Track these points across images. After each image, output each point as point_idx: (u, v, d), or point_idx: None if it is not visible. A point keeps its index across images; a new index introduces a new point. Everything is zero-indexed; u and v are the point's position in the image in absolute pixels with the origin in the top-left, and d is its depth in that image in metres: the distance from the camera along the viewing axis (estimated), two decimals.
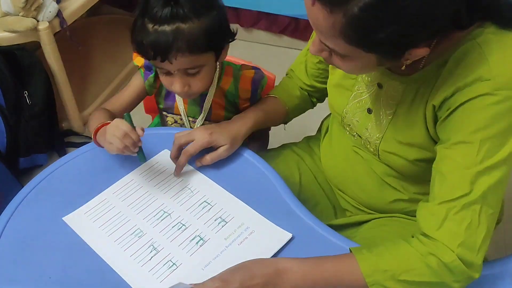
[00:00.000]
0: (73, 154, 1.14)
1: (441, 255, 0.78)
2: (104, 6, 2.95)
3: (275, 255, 0.93)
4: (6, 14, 1.80)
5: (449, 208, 0.79)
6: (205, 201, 1.04)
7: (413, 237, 0.83)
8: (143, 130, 0.96)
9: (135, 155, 1.01)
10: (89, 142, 1.14)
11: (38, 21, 1.83)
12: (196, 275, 0.89)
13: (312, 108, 1.29)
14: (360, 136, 1.05)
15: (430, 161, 0.87)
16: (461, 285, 0.80)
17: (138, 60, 1.21)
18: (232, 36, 1.11)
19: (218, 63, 1.16)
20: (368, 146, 1.03)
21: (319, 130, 1.32)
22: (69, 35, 1.93)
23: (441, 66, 0.83)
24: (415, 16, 0.69)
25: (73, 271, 0.91)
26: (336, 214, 1.21)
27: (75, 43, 2.00)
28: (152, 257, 0.94)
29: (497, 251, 1.78)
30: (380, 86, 0.96)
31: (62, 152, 2.14)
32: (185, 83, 1.07)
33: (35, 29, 1.82)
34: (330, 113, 1.19)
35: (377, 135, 0.99)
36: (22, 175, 2.01)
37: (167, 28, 0.99)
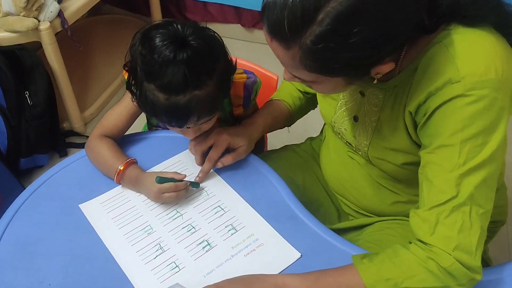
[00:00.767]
0: (73, 157, 1.13)
1: (440, 260, 0.77)
2: (105, 6, 2.95)
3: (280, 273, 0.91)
4: (7, 14, 1.79)
5: (439, 213, 0.79)
6: (219, 206, 1.03)
7: (410, 243, 0.83)
8: (179, 174, 1.01)
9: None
10: None
11: (39, 21, 1.83)
12: (196, 281, 0.89)
13: (314, 108, 1.29)
14: (350, 144, 1.06)
15: (418, 164, 0.86)
16: None
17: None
18: (234, 69, 1.02)
19: None
20: (360, 153, 1.04)
21: (322, 131, 1.32)
22: (70, 35, 1.93)
23: (413, 72, 0.84)
24: (367, 41, 0.70)
25: (73, 278, 0.90)
26: (339, 217, 1.20)
27: (76, 43, 2.00)
28: (157, 256, 0.94)
29: (501, 253, 1.77)
30: (362, 94, 0.97)
31: (63, 153, 2.14)
32: (197, 131, 1.04)
33: (36, 29, 1.82)
34: None
35: (365, 142, 1.00)
36: (23, 176, 2.01)
37: (182, 99, 0.89)
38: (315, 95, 1.21)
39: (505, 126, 0.78)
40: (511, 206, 1.16)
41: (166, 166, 1.11)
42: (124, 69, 0.96)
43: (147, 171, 1.08)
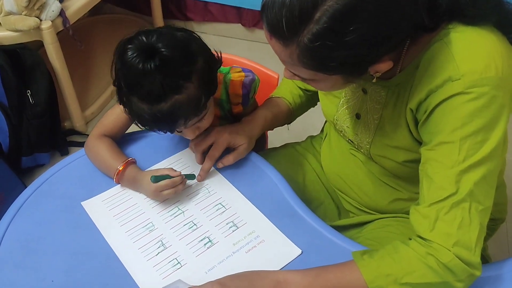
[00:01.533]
0: (75, 156, 1.14)
1: (439, 256, 0.78)
2: (106, 6, 2.96)
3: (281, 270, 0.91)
4: (9, 13, 1.80)
5: (438, 209, 0.79)
6: (220, 203, 1.04)
7: (410, 239, 0.83)
8: (175, 170, 1.02)
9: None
10: None
11: (41, 20, 1.83)
12: (198, 277, 0.89)
13: (314, 106, 1.29)
14: (352, 141, 1.06)
15: (419, 162, 0.87)
16: (465, 284, 0.79)
17: None
18: (220, 63, 1.02)
19: None
20: (362, 150, 1.04)
21: (323, 129, 1.32)
22: (72, 34, 1.93)
23: (415, 69, 0.84)
24: (363, 40, 0.71)
25: (75, 275, 0.91)
26: (340, 214, 1.21)
27: (78, 42, 2.01)
28: (159, 253, 0.94)
29: (500, 250, 1.78)
30: (364, 91, 0.97)
31: (64, 151, 2.15)
32: (195, 130, 1.04)
33: (38, 28, 1.82)
34: None
35: (367, 139, 1.00)
36: (24, 174, 2.02)
37: (164, 106, 0.89)
38: (315, 92, 1.22)
39: (505, 124, 0.78)
40: (511, 204, 1.17)
41: (166, 165, 1.11)
42: (114, 84, 0.97)
43: (146, 170, 1.08)
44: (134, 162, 1.07)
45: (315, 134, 1.35)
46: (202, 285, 0.83)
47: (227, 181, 1.08)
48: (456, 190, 0.78)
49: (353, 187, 1.13)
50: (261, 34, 2.78)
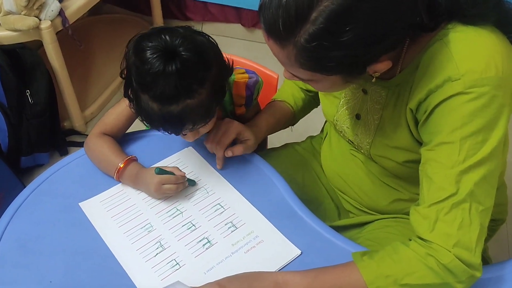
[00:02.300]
0: (74, 156, 1.13)
1: (439, 257, 0.78)
2: (106, 5, 2.96)
3: (280, 270, 0.91)
4: (9, 13, 1.80)
5: (438, 210, 0.79)
6: (219, 203, 1.04)
7: (410, 240, 0.83)
8: (179, 169, 1.02)
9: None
10: None
11: (40, 20, 1.83)
12: (197, 278, 0.89)
13: (317, 106, 1.29)
14: (352, 142, 1.06)
15: (419, 162, 0.87)
16: (465, 285, 0.79)
17: None
18: (231, 71, 1.03)
19: None
20: (362, 151, 1.04)
21: (323, 129, 1.32)
22: (71, 34, 1.93)
23: (415, 69, 0.84)
24: (359, 40, 0.71)
25: (74, 275, 0.90)
26: (339, 215, 1.20)
27: (77, 42, 2.00)
28: (157, 254, 0.94)
29: (501, 251, 1.77)
30: (365, 92, 0.97)
31: (63, 151, 2.14)
32: (195, 134, 1.03)
33: (37, 28, 1.82)
34: None
35: (367, 140, 1.00)
36: (23, 174, 2.01)
37: (175, 109, 0.89)
38: (317, 93, 1.21)
39: (505, 124, 0.78)
40: (511, 204, 1.17)
41: (166, 164, 1.11)
42: (121, 76, 0.97)
43: (151, 166, 1.08)
44: (135, 160, 1.07)
45: (315, 134, 1.35)
46: (201, 286, 0.83)
47: (226, 181, 1.08)
48: (456, 191, 0.78)
49: (353, 187, 1.13)
50: (260, 34, 2.75)
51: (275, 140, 1.45)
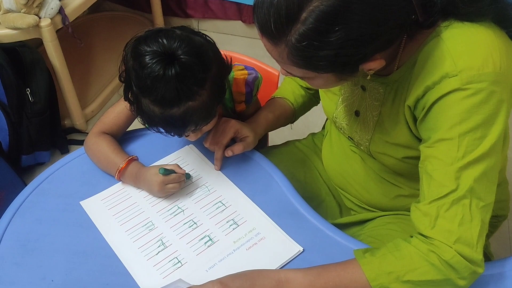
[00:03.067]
0: (75, 154, 1.13)
1: (441, 253, 0.77)
2: (105, 3, 2.96)
3: (282, 267, 0.91)
4: (8, 11, 1.79)
5: (439, 206, 0.79)
6: (220, 201, 1.04)
7: (412, 236, 0.83)
8: (180, 167, 1.02)
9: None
10: None
11: (40, 18, 1.83)
12: (199, 276, 0.89)
13: (317, 104, 1.29)
14: (352, 139, 1.06)
15: (419, 159, 0.86)
16: (467, 281, 0.79)
17: None
18: (230, 69, 1.03)
19: None
20: (362, 147, 1.04)
21: (324, 126, 1.32)
22: (71, 32, 1.93)
23: (412, 65, 0.84)
24: (349, 40, 0.71)
25: (75, 274, 0.90)
26: (341, 212, 1.20)
27: (77, 40, 2.00)
28: (159, 252, 0.94)
29: (502, 247, 1.77)
30: (363, 88, 0.97)
31: (64, 150, 2.15)
32: (197, 133, 1.03)
33: (37, 26, 1.82)
34: None
35: (366, 137, 1.00)
36: (24, 173, 2.01)
37: (177, 112, 0.90)
38: (317, 91, 1.21)
39: (504, 119, 0.78)
40: None
41: (166, 163, 1.11)
42: (120, 80, 0.96)
43: (152, 165, 1.08)
44: (136, 159, 1.07)
45: (316, 131, 1.34)
46: (203, 284, 0.83)
47: (227, 179, 1.08)
48: (456, 187, 0.78)
49: (354, 185, 1.12)
50: None
51: (276, 137, 1.45)
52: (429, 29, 0.81)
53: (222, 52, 1.00)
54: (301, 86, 1.24)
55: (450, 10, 0.79)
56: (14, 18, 1.78)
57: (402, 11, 0.74)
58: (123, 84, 0.96)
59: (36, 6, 1.79)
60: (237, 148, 1.07)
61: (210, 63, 0.93)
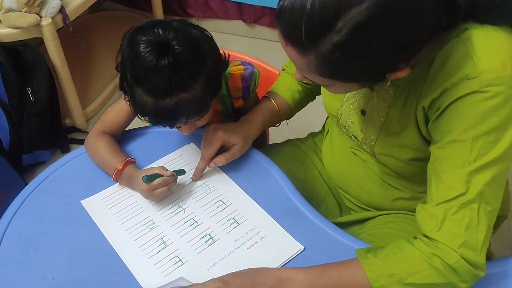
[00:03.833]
0: (75, 153, 1.13)
1: (445, 257, 0.77)
2: (106, 3, 2.96)
3: (283, 266, 0.91)
4: (9, 10, 1.79)
5: (447, 209, 0.79)
6: (221, 200, 1.03)
7: (416, 238, 0.83)
8: (166, 169, 1.00)
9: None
10: None
11: (41, 17, 1.83)
12: (200, 274, 0.89)
13: (313, 100, 1.28)
14: (356, 138, 1.05)
15: (425, 160, 0.86)
16: (468, 284, 0.79)
17: None
18: (227, 65, 1.03)
19: None
20: (365, 147, 1.03)
21: (324, 126, 1.31)
22: (72, 31, 1.93)
23: (428, 66, 0.82)
24: (384, 51, 0.69)
25: (77, 273, 0.90)
26: (341, 211, 1.20)
27: (78, 39, 2.00)
28: (160, 251, 0.94)
29: (503, 247, 1.77)
30: (371, 88, 0.96)
31: (65, 149, 2.15)
32: (191, 127, 1.04)
33: (38, 25, 1.82)
34: None
35: (372, 137, 0.99)
36: (25, 172, 2.01)
37: (169, 102, 0.89)
38: (315, 86, 1.20)
39: None
40: None
41: (166, 161, 1.11)
42: (117, 69, 0.97)
43: (145, 167, 1.08)
44: (133, 162, 1.07)
45: (316, 130, 1.34)
46: (204, 282, 0.83)
47: (228, 177, 1.08)
48: (466, 190, 0.77)
49: (354, 186, 1.12)
50: (261, 30, 2.77)
51: (276, 136, 1.45)
52: (448, 30, 0.80)
53: (221, 50, 0.99)
54: (298, 81, 1.22)
55: (472, 12, 0.78)
56: (15, 17, 1.78)
57: (433, 17, 0.71)
58: (119, 73, 0.97)
59: (37, 5, 1.79)
60: (219, 160, 1.06)
61: (205, 56, 0.92)
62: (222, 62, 1.00)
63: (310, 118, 1.44)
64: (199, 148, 1.14)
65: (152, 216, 1.00)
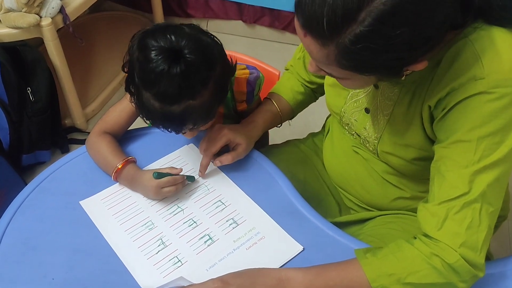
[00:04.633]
0: (75, 153, 1.13)
1: (445, 256, 0.77)
2: (106, 3, 2.96)
3: (282, 266, 0.91)
4: (9, 10, 1.79)
5: (449, 208, 0.79)
6: (220, 200, 1.04)
7: (415, 238, 0.83)
8: (175, 168, 1.02)
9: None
10: None
11: (41, 17, 1.83)
12: (199, 275, 0.89)
13: (315, 101, 1.29)
14: (359, 135, 1.05)
15: (428, 160, 0.86)
16: (467, 285, 0.79)
17: None
18: (234, 71, 1.02)
19: None
20: (367, 145, 1.03)
21: (324, 126, 1.32)
22: (72, 31, 1.93)
23: (435, 66, 0.82)
24: (407, 42, 0.68)
25: (76, 273, 0.91)
26: (340, 212, 1.20)
27: (78, 39, 2.00)
28: (159, 251, 0.94)
29: (502, 247, 1.77)
30: (376, 86, 0.96)
31: (65, 149, 2.15)
32: (194, 131, 1.03)
33: (38, 25, 1.82)
34: None
35: (375, 135, 0.99)
36: (25, 172, 2.01)
37: (177, 109, 0.89)
38: (319, 86, 1.20)
39: None
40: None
41: (166, 162, 1.11)
42: (123, 70, 0.96)
43: (145, 168, 1.08)
44: (134, 161, 1.07)
45: (316, 131, 1.34)
46: (203, 282, 0.83)
47: (227, 178, 1.08)
48: (469, 190, 0.77)
49: (355, 185, 1.12)
50: (261, 31, 2.77)
51: (276, 136, 1.45)
52: (457, 30, 0.80)
53: (227, 54, 1.00)
54: (301, 82, 1.22)
55: (483, 12, 0.78)
56: (15, 17, 1.78)
57: (452, 9, 0.71)
58: (126, 75, 0.96)
59: (37, 5, 1.79)
60: (226, 159, 1.06)
61: (215, 63, 0.92)
62: (230, 69, 1.00)
63: (310, 118, 1.45)
64: (199, 149, 1.14)
65: (151, 216, 1.00)
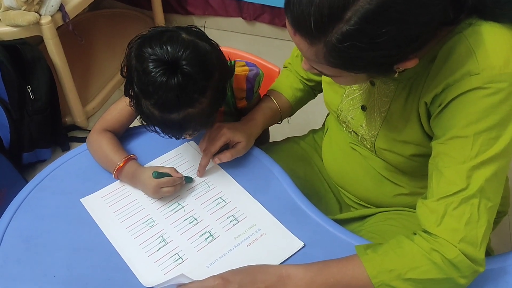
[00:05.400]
0: (76, 151, 1.13)
1: (444, 252, 0.78)
2: (106, 1, 2.96)
3: (283, 263, 0.92)
4: (9, 9, 1.79)
5: (447, 204, 0.79)
6: (220, 197, 1.04)
7: (415, 234, 0.83)
8: (176, 170, 1.02)
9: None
10: None
11: (40, 15, 1.83)
12: (200, 272, 0.89)
13: (314, 98, 1.28)
14: (356, 133, 1.05)
15: (426, 156, 0.86)
16: (468, 280, 0.79)
17: None
18: (232, 74, 1.03)
19: None
20: (365, 142, 1.03)
21: (324, 124, 1.32)
22: (72, 29, 1.93)
23: (430, 62, 0.82)
24: (393, 40, 0.69)
25: (77, 270, 0.91)
26: (341, 209, 1.20)
27: (78, 37, 2.00)
28: (160, 248, 0.94)
29: (502, 243, 1.78)
30: (372, 83, 0.96)
31: (65, 147, 2.15)
32: (193, 134, 1.04)
33: (37, 23, 1.82)
34: None
35: (372, 132, 0.99)
36: (25, 170, 2.02)
37: (176, 117, 0.91)
38: (317, 83, 1.20)
39: None
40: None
41: (166, 160, 1.11)
42: (122, 75, 0.97)
43: (145, 165, 1.08)
44: (135, 159, 1.07)
45: (316, 128, 1.34)
46: (204, 279, 0.83)
47: (228, 175, 1.08)
48: (467, 186, 0.78)
49: (354, 183, 1.12)
50: (261, 28, 2.77)
51: (276, 133, 1.45)
52: (451, 26, 0.80)
53: (225, 53, 0.99)
54: (300, 79, 1.23)
55: (477, 8, 0.78)
56: (14, 16, 1.78)
57: (441, 8, 0.71)
58: (125, 79, 0.96)
59: (37, 4, 1.79)
60: (225, 156, 1.06)
61: (213, 71, 0.93)
62: (228, 72, 1.00)
63: (311, 115, 1.45)
64: (198, 147, 1.14)
65: (152, 214, 1.00)
